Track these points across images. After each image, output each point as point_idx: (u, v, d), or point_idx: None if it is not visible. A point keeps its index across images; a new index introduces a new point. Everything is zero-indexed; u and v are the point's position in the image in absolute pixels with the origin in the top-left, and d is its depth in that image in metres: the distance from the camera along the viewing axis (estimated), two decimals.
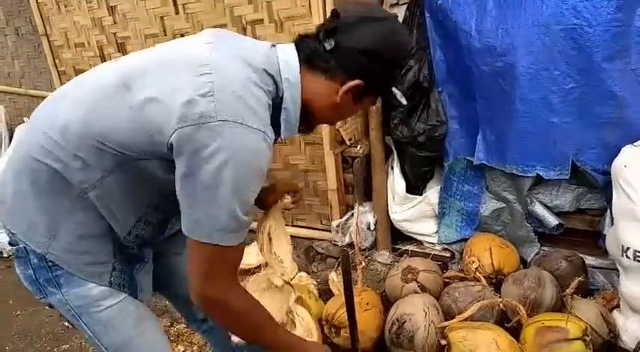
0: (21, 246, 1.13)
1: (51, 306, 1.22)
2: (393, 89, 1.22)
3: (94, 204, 1.10)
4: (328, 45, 1.09)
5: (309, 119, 1.18)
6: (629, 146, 1.96)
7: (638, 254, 1.80)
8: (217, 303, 1.09)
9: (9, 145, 3.55)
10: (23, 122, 3.58)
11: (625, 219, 1.86)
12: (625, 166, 1.91)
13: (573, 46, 1.99)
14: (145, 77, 1.03)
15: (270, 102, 1.08)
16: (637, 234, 1.80)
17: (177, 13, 2.65)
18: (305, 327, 1.93)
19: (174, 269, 1.44)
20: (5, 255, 3.22)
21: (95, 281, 1.16)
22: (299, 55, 1.12)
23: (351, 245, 2.67)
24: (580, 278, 2.01)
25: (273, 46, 1.13)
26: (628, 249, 1.84)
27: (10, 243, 1.17)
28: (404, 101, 1.26)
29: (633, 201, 1.83)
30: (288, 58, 1.11)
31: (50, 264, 1.13)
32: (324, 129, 2.47)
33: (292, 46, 1.13)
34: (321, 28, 1.12)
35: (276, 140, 1.12)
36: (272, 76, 1.08)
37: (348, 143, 2.54)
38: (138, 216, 1.17)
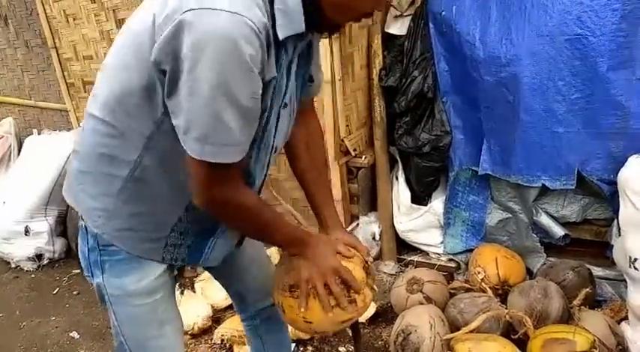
0: (82, 223, 1.17)
1: (91, 286, 1.26)
2: None
3: (147, 180, 1.09)
4: None
5: (316, 14, 0.99)
6: (635, 156, 1.95)
7: None
8: (219, 204, 1.05)
9: (18, 156, 3.59)
10: (32, 134, 3.62)
11: (632, 229, 1.85)
12: (632, 175, 1.90)
13: (578, 56, 1.99)
14: (139, 19, 0.99)
15: None
16: None
17: None
18: None
19: (233, 262, 1.44)
20: (13, 266, 3.23)
21: (149, 257, 1.18)
22: None
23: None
24: (587, 289, 1.99)
25: None
26: (635, 259, 1.82)
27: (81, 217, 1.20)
28: None
29: (639, 210, 1.81)
30: None
31: (102, 247, 1.16)
32: (329, 140, 2.47)
33: None
34: None
35: (284, 43, 0.99)
36: None
37: (352, 153, 2.54)
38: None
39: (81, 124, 1.20)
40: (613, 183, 2.03)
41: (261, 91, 0.96)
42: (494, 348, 1.79)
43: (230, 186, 1.03)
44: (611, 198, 2.09)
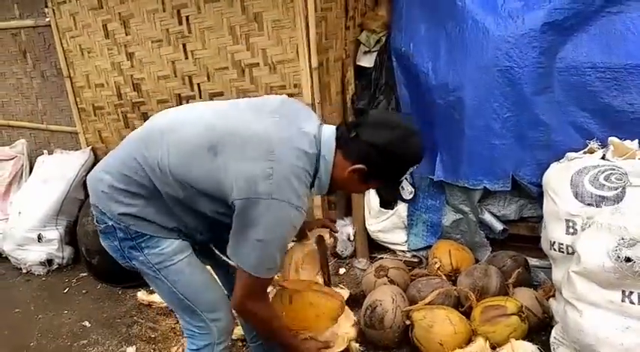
0: (110, 223, 1.56)
1: (133, 268, 1.65)
2: (403, 184, 1.62)
3: (167, 204, 1.54)
4: (352, 133, 1.47)
5: (330, 184, 1.56)
6: (555, 163, 2.42)
7: (561, 246, 2.21)
8: (250, 313, 1.57)
9: (29, 175, 3.96)
10: (42, 154, 3.99)
11: (551, 219, 2.29)
12: (552, 177, 2.37)
13: (508, 83, 2.48)
14: (226, 147, 1.43)
15: (311, 180, 1.49)
16: (560, 230, 2.22)
17: (186, 58, 3.15)
18: None
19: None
20: (24, 271, 3.56)
21: (168, 237, 1.59)
22: (338, 129, 1.53)
23: (334, 254, 3.08)
24: (519, 269, 2.43)
25: (321, 124, 1.55)
26: (554, 242, 2.25)
27: (98, 222, 1.60)
28: (408, 195, 1.67)
29: (557, 204, 2.26)
30: (327, 139, 1.50)
31: (134, 235, 1.56)
32: None
33: (334, 129, 1.53)
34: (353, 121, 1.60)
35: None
36: (316, 155, 1.48)
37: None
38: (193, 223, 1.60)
39: (117, 150, 1.61)
40: (540, 186, 2.49)
41: None
42: (444, 313, 2.21)
43: (263, 301, 1.57)
44: (540, 199, 2.54)
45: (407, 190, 1.62)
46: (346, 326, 1.90)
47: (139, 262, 1.61)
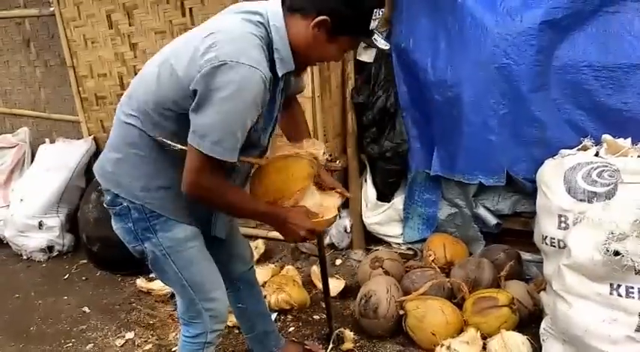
0: (124, 204, 1.58)
1: (141, 254, 1.66)
2: (375, 36, 1.51)
3: (173, 164, 1.50)
4: None
5: (295, 59, 1.47)
6: (549, 159, 2.46)
7: (552, 240, 2.26)
8: (207, 190, 1.47)
9: (31, 163, 4.00)
10: (44, 142, 4.03)
11: (544, 213, 2.35)
12: (545, 173, 2.42)
13: (505, 81, 2.52)
14: (174, 52, 1.46)
15: (264, 46, 1.41)
16: (551, 225, 2.27)
17: None
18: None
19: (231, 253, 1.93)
20: (25, 257, 3.61)
21: (181, 220, 1.60)
22: (284, 4, 1.45)
23: (330, 245, 3.13)
24: (511, 262, 2.48)
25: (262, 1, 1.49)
26: (546, 236, 2.31)
27: (112, 204, 1.61)
28: (383, 45, 1.54)
29: (549, 200, 2.31)
30: (274, 8, 1.45)
31: (149, 215, 1.57)
32: None
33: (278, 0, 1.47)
34: None
35: (280, 77, 1.48)
36: (264, 25, 1.43)
37: (328, 158, 3.03)
38: None
39: (115, 123, 1.63)
40: (535, 182, 2.54)
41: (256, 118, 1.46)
42: (436, 304, 2.26)
43: (220, 176, 1.47)
44: (534, 195, 2.58)
45: (381, 42, 1.57)
46: (333, 198, 1.79)
47: (151, 244, 1.62)
